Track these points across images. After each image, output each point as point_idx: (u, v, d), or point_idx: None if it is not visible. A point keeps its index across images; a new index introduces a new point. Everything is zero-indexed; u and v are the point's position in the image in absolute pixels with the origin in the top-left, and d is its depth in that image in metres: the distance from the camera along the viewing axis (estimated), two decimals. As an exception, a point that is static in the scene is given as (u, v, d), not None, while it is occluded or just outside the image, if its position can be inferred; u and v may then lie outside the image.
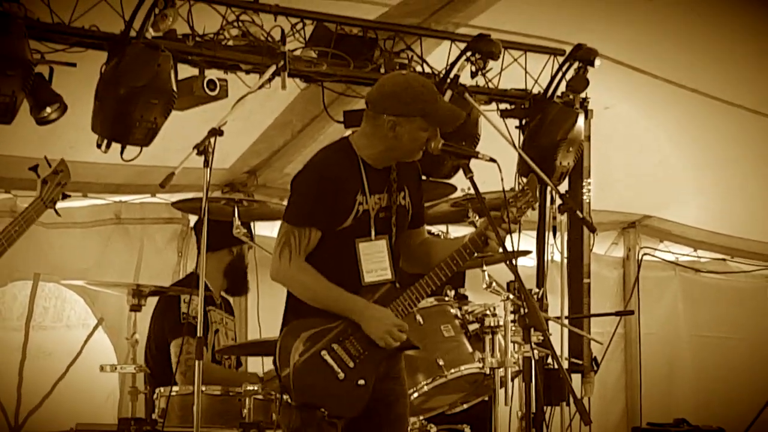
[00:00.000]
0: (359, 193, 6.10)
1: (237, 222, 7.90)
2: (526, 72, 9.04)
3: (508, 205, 6.27)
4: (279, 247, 6.14)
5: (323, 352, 6.08)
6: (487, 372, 7.41)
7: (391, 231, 6.25)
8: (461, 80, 8.58)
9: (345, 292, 6.13)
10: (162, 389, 7.63)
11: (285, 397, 6.16)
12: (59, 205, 6.66)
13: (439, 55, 8.72)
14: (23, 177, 6.77)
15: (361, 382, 6.09)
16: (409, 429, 6.81)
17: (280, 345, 6.14)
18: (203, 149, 6.93)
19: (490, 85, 8.84)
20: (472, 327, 7.49)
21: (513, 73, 8.97)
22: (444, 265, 6.21)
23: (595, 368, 9.71)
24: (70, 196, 6.74)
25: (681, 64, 10.01)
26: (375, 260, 6.23)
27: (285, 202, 6.28)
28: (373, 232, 6.16)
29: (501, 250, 6.17)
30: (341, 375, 6.07)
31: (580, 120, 9.10)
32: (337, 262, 6.15)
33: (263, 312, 8.69)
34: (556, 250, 9.38)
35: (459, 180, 7.82)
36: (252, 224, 8.48)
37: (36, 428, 8.99)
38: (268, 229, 8.49)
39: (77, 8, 7.18)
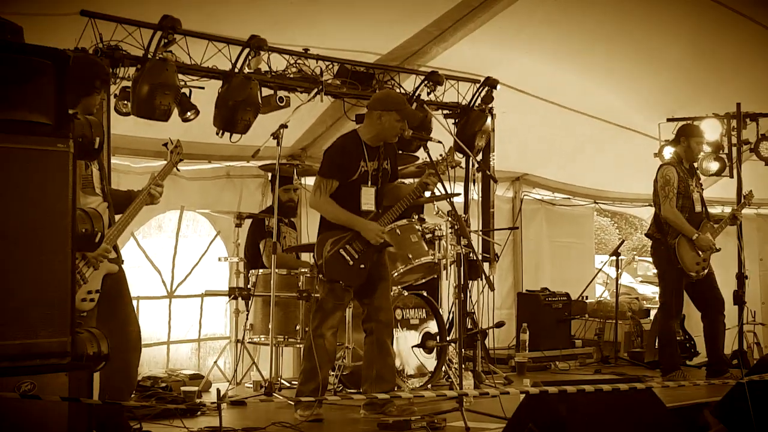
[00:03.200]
0: (362, 161, 7.49)
1: (295, 177, 9.34)
2: (458, 92, 10.38)
3: (440, 164, 7.64)
4: (315, 188, 7.54)
5: (341, 250, 7.43)
6: (436, 261, 8.75)
7: (378, 182, 7.60)
8: (422, 97, 9.97)
9: (352, 214, 7.45)
10: (254, 271, 9.16)
11: (320, 275, 7.57)
12: (179, 168, 6.89)
13: (408, 83, 10.05)
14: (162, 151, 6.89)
15: (362, 266, 7.46)
16: (391, 293, 8.15)
17: (316, 245, 7.59)
18: (276, 135, 8.44)
19: (438, 99, 10.18)
20: (428, 236, 8.76)
21: (451, 92, 10.31)
22: (403, 201, 7.59)
23: (497, 259, 11.03)
24: (182, 160, 6.85)
25: (558, 88, 11.50)
26: (368, 198, 7.55)
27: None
28: (369, 182, 7.55)
29: (440, 191, 7.64)
30: (351, 262, 7.44)
31: (489, 120, 10.55)
32: (347, 198, 7.48)
33: (308, 227, 10.25)
34: (475, 193, 10.94)
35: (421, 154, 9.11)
36: (303, 179, 9.83)
37: (183, 292, 10.29)
38: (311, 181, 8.80)
39: (205, 54, 8.35)
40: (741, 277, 9.97)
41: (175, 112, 8.22)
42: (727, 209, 10.73)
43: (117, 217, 6.41)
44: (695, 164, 10.10)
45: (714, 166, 11.66)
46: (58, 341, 4.42)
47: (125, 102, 7.98)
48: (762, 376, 6.68)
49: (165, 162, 6.77)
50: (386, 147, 7.75)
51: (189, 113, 8.41)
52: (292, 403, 7.76)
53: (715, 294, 9.89)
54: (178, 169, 6.92)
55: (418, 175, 8.85)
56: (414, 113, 7.90)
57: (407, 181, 9.11)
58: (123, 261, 6.55)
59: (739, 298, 9.90)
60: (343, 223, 7.52)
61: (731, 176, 11.34)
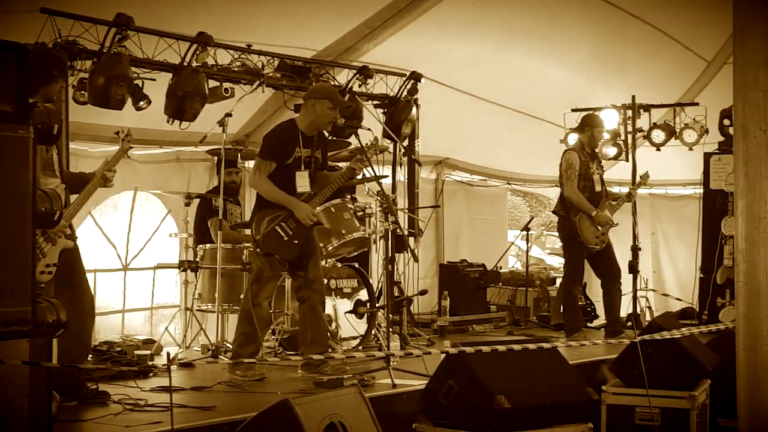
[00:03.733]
0: (297, 147, 7.48)
1: (239, 160, 9.45)
2: (386, 85, 10.44)
3: (369, 150, 7.72)
4: (255, 169, 7.54)
5: (276, 227, 7.45)
6: (367, 236, 8.73)
7: (311, 168, 7.61)
8: (354, 89, 9.93)
9: (287, 194, 7.44)
10: (202, 245, 9.21)
11: (258, 249, 7.58)
12: (133, 152, 7.31)
13: (342, 76, 10.04)
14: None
15: (296, 241, 7.47)
16: (326, 265, 8.47)
17: (254, 222, 7.58)
18: (222, 123, 8.53)
19: (369, 91, 10.18)
20: (359, 213, 8.72)
21: (380, 85, 10.36)
22: (333, 184, 7.64)
23: (421, 234, 11.01)
24: (132, 147, 6.82)
25: (476, 81, 11.57)
26: (303, 181, 7.55)
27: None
28: (303, 167, 7.53)
29: (366, 174, 7.78)
30: (285, 238, 7.45)
31: (414, 110, 10.55)
32: (283, 181, 7.48)
33: (251, 205, 9.49)
34: (402, 175, 10.98)
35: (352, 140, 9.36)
36: (246, 162, 9.85)
37: (137, 265, 10.26)
38: (252, 163, 8.76)
39: (156, 49, 8.25)
40: (635, 249, 10.06)
41: (129, 101, 8.15)
42: (625, 189, 10.86)
43: (72, 197, 6.34)
44: (596, 149, 10.18)
45: (612, 151, 11.78)
46: (20, 310, 4.35)
47: (83, 92, 7.88)
48: (652, 336, 6.83)
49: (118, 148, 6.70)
50: (319, 138, 7.72)
51: (142, 102, 8.35)
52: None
53: (612, 264, 9.97)
54: (128, 156, 6.86)
55: (350, 159, 8.68)
56: (344, 102, 7.87)
57: (341, 164, 9.00)
58: (77, 237, 6.47)
59: (633, 268, 10.00)
60: (279, 202, 7.51)
61: (627, 160, 11.39)
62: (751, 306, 5.00)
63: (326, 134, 8.02)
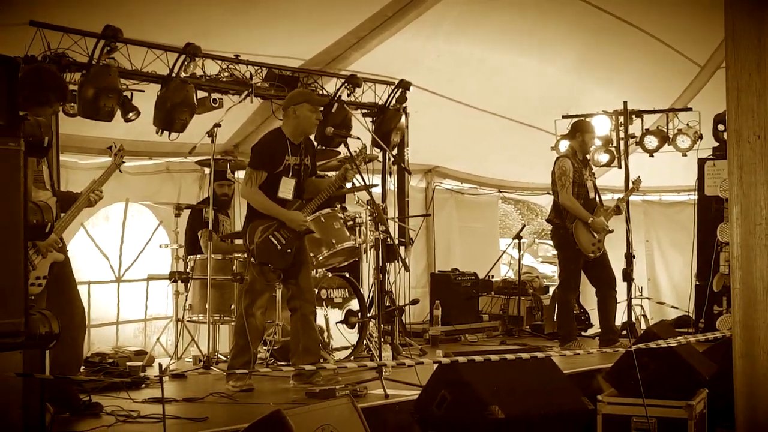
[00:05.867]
0: (286, 155, 7.55)
1: (229, 171, 9.48)
2: (375, 93, 10.45)
3: (357, 158, 7.75)
4: (246, 180, 7.58)
5: (270, 236, 7.55)
6: (357, 245, 8.78)
7: (300, 176, 7.67)
8: (342, 98, 9.97)
9: (277, 205, 7.53)
10: (192, 256, 9.29)
11: (252, 259, 7.64)
12: (126, 162, 6.99)
13: (330, 86, 10.07)
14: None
15: (289, 250, 7.57)
16: (316, 276, 8.49)
17: (248, 232, 7.64)
18: (211, 134, 8.59)
19: (357, 100, 10.17)
20: (349, 223, 8.79)
21: (369, 93, 10.36)
22: (323, 191, 7.70)
23: (412, 243, 11.03)
24: (125, 162, 6.87)
25: (465, 89, 11.53)
26: (286, 188, 7.58)
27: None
28: (291, 175, 7.59)
29: (357, 181, 7.77)
30: (279, 247, 7.55)
31: (403, 118, 10.59)
32: (271, 188, 7.56)
33: (241, 216, 9.42)
34: (392, 184, 10.94)
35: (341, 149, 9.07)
36: (236, 173, 9.80)
37: (130, 277, 10.26)
38: (242, 174, 8.71)
39: (145, 60, 8.29)
40: (629, 257, 10.07)
41: (118, 113, 8.19)
42: (617, 195, 10.88)
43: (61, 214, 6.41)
44: (588, 156, 10.23)
45: (604, 157, 11.79)
46: (12, 322, 4.38)
47: (72, 104, 7.89)
48: (648, 345, 6.83)
49: (109, 161, 6.73)
50: (307, 145, 7.78)
51: (131, 114, 8.39)
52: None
53: (607, 272, 10.00)
54: (120, 170, 6.89)
55: (339, 168, 8.73)
56: (322, 100, 7.93)
57: (330, 173, 9.10)
58: (68, 251, 6.53)
59: (627, 276, 9.93)
60: (271, 214, 7.58)
61: (619, 167, 11.40)
62: (747, 313, 5.00)
63: (314, 141, 8.09)
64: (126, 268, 10.32)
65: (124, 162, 6.90)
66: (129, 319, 10.44)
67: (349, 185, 8.22)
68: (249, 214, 7.72)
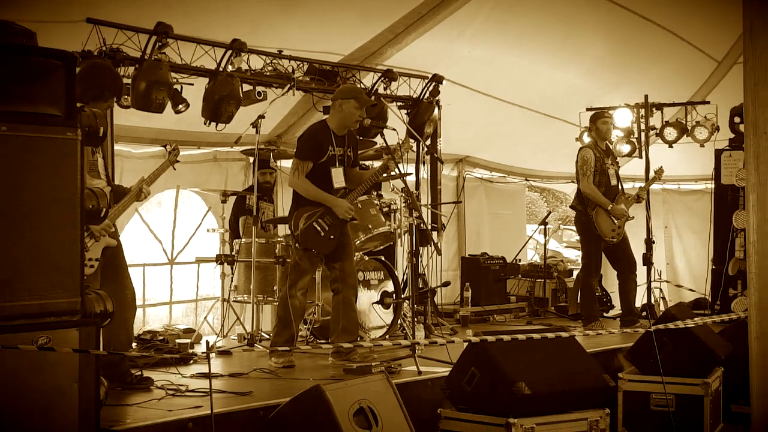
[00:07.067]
0: (330, 146, 7.52)
1: (272, 159, 9.48)
2: (410, 87, 10.40)
3: (397, 150, 7.63)
4: (293, 170, 7.54)
5: (314, 223, 7.49)
6: (392, 230, 8.79)
7: (345, 165, 7.64)
8: (379, 91, 9.94)
9: (325, 193, 7.49)
10: (237, 240, 9.24)
11: (296, 244, 7.59)
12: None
13: (368, 79, 10.09)
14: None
15: (332, 236, 7.54)
16: (354, 259, 8.13)
17: (293, 219, 7.58)
18: (255, 125, 8.57)
19: (393, 93, 10.19)
20: (384, 209, 8.79)
21: (404, 87, 10.34)
22: (367, 181, 7.68)
23: (443, 228, 11.09)
24: (179, 161, 7.02)
25: (495, 83, 11.53)
26: (338, 177, 7.57)
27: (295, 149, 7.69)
28: (337, 164, 7.57)
29: (397, 172, 7.60)
30: (322, 234, 7.51)
31: (436, 111, 10.51)
32: (319, 178, 7.52)
33: (284, 203, 10.02)
34: (425, 172, 11.00)
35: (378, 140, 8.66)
36: (279, 161, 9.92)
37: (182, 260, 10.41)
38: (287, 163, 9.44)
39: (194, 55, 8.35)
40: (649, 242, 9.97)
41: (169, 105, 8.20)
42: (638, 184, 10.82)
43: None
44: (610, 145, 10.14)
45: (626, 148, 11.79)
46: (70, 301, 4.44)
47: (126, 97, 7.91)
48: (666, 326, 6.80)
49: (162, 152, 6.81)
50: (349, 137, 7.72)
51: (181, 106, 8.43)
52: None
53: (628, 256, 9.92)
54: (174, 168, 6.94)
55: (377, 158, 9.17)
56: (368, 100, 7.84)
57: (367, 162, 9.21)
58: (119, 236, 6.58)
59: (647, 260, 9.86)
60: (318, 200, 7.53)
61: (640, 157, 11.35)
62: (763, 296, 4.95)
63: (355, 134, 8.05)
64: (178, 252, 10.40)
65: (179, 161, 6.98)
66: (181, 299, 10.55)
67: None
68: (294, 202, 7.68)
